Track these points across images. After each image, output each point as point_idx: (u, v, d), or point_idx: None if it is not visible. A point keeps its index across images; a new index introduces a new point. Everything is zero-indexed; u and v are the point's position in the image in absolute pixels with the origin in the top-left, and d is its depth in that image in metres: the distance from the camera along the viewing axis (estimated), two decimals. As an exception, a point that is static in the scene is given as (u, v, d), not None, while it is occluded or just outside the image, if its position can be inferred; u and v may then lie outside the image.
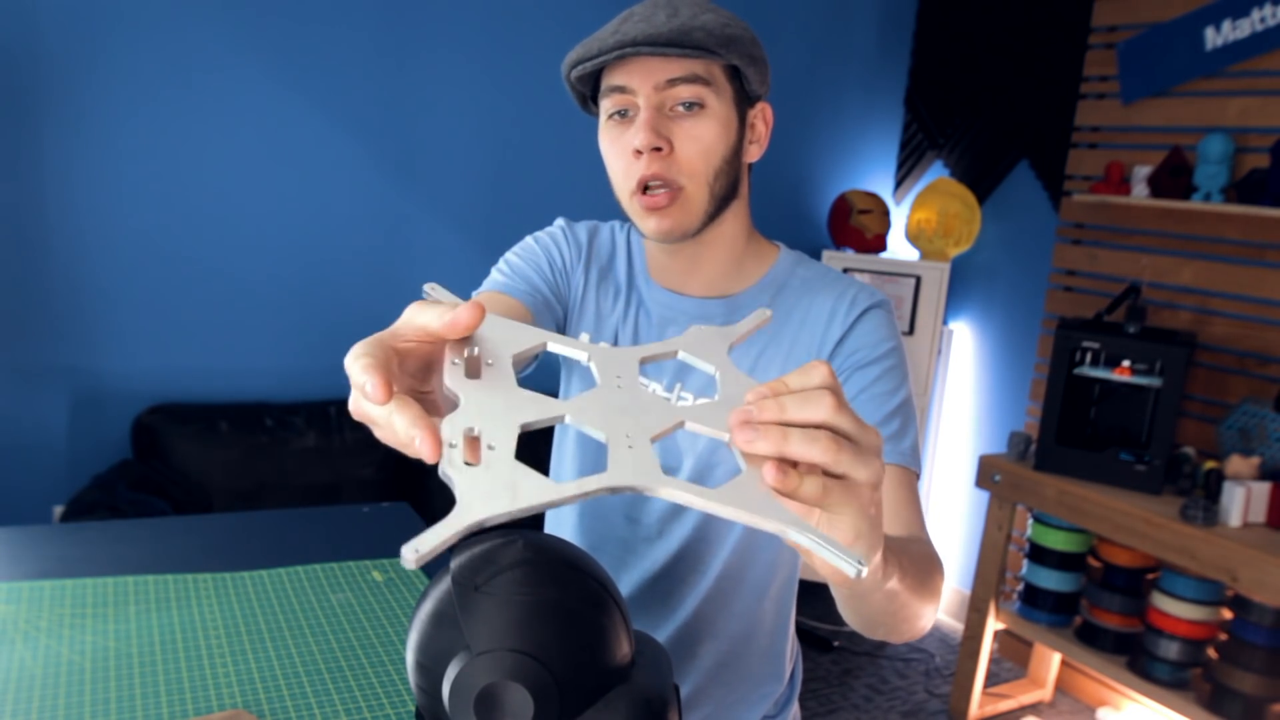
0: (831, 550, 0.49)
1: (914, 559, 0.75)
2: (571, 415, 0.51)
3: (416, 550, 0.43)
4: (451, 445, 0.48)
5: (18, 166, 2.38)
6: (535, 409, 0.51)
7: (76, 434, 2.54)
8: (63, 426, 2.53)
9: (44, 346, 2.48)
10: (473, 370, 0.53)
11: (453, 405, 0.51)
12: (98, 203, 2.47)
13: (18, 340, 2.45)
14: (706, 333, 0.61)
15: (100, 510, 2.17)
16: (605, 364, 0.56)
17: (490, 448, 0.48)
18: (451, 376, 0.52)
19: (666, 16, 0.92)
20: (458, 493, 0.46)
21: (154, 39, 2.47)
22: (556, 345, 0.57)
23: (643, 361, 0.57)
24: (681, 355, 0.59)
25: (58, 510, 2.37)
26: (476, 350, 0.53)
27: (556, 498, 0.47)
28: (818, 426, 0.50)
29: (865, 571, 0.48)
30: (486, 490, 0.46)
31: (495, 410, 0.50)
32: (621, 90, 0.95)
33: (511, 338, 0.55)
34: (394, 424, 0.47)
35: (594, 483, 0.48)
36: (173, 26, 2.48)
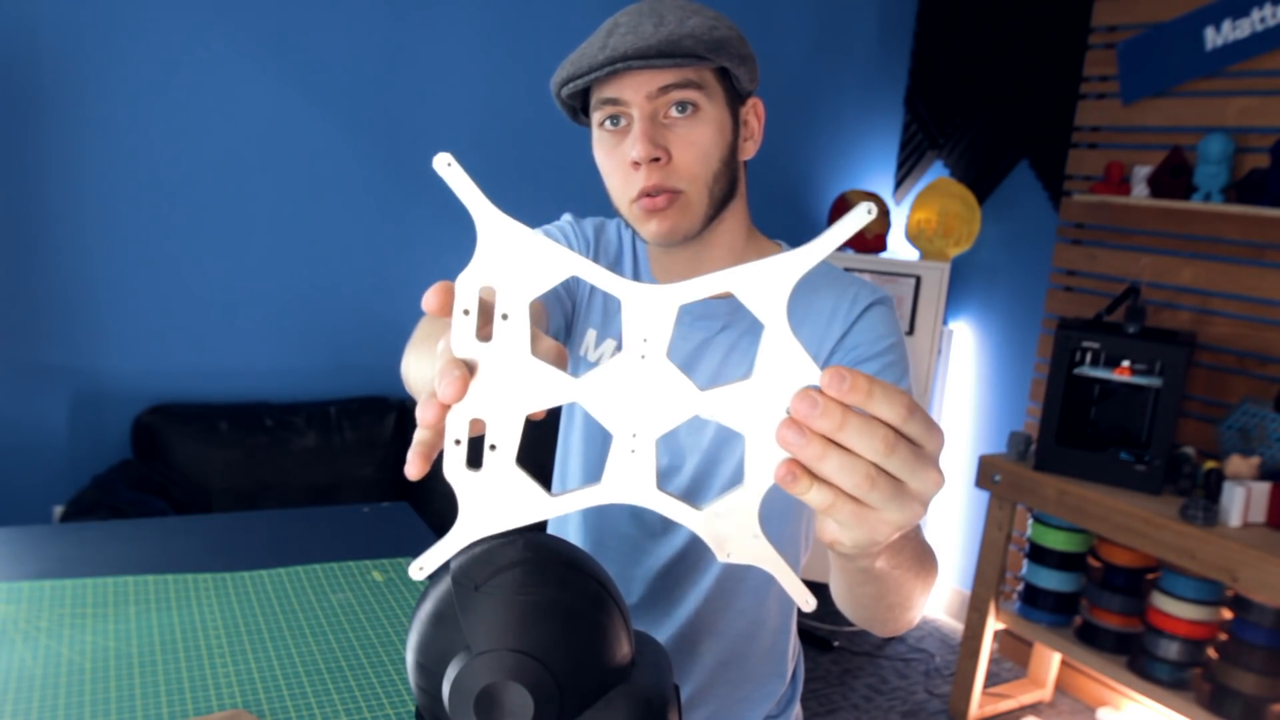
0: (792, 585, 0.52)
1: (913, 544, 0.73)
2: (583, 398, 0.50)
3: (421, 567, 0.52)
4: (457, 442, 0.50)
5: (17, 167, 2.38)
6: (545, 390, 0.50)
7: (76, 434, 2.54)
8: (63, 426, 2.53)
9: (44, 346, 2.48)
10: (485, 324, 0.50)
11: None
12: (98, 203, 2.47)
13: (18, 340, 2.45)
14: (770, 267, 0.48)
15: (100, 510, 2.17)
16: (636, 317, 0.49)
17: (493, 447, 0.50)
18: (460, 337, 0.49)
19: (653, 26, 0.91)
20: (460, 502, 0.50)
21: (153, 39, 2.47)
22: (586, 274, 0.50)
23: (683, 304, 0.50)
24: (735, 291, 0.49)
25: (58, 510, 2.37)
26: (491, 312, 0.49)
27: (552, 513, 0.51)
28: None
29: (812, 606, 0.52)
30: (486, 503, 0.51)
31: (503, 390, 0.49)
32: (614, 103, 0.95)
33: (529, 273, 0.49)
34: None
35: (590, 496, 0.51)
36: (172, 27, 2.48)
